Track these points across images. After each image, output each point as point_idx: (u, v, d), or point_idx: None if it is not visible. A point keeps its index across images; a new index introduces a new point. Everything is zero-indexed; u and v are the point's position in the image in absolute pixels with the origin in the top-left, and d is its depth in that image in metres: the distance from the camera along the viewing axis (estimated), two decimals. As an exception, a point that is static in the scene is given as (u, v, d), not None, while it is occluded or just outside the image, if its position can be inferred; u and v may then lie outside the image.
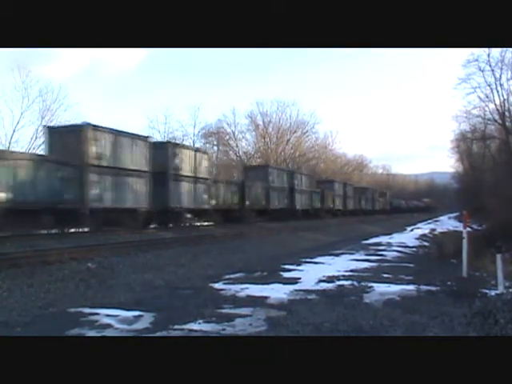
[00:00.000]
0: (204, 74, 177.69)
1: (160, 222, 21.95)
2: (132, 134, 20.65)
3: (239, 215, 28.53)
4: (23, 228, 14.86)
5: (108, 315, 6.62)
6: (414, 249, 18.71)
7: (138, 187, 19.95)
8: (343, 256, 15.25)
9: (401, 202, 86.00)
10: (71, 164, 16.86)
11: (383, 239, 23.66)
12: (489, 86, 34.57)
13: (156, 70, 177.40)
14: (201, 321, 6.30)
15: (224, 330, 5.86)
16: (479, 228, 23.05)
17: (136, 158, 19.88)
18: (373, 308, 7.08)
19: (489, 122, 36.85)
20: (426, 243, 20.97)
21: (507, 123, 34.45)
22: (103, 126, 18.74)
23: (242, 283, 9.43)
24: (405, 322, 6.14)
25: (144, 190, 20.25)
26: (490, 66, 33.69)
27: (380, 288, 8.82)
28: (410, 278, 10.34)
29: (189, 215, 24.18)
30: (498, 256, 8.33)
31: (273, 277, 10.38)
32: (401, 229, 34.83)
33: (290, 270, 11.48)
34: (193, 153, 24.82)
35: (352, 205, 54.45)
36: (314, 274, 10.64)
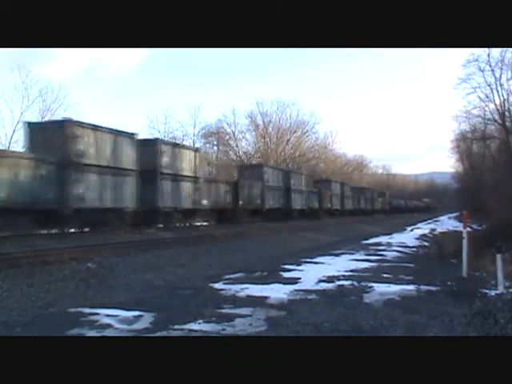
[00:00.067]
0: (204, 74, 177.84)
1: (148, 223, 20.93)
2: (118, 130, 19.75)
3: (232, 215, 27.80)
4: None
5: (108, 315, 6.62)
6: (414, 249, 18.71)
7: (124, 186, 19.12)
8: (343, 256, 15.25)
9: (400, 201, 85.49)
10: (52, 162, 16.02)
11: (383, 239, 23.66)
12: (489, 86, 34.63)
13: (156, 69, 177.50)
14: (201, 321, 6.30)
15: (224, 330, 5.86)
16: (479, 228, 23.06)
17: (122, 156, 19.06)
18: (373, 308, 7.08)
19: (489, 121, 36.89)
20: (426, 243, 20.98)
21: (507, 123, 34.47)
22: (86, 122, 18.06)
23: (242, 283, 9.43)
24: (405, 322, 6.14)
25: (131, 189, 19.43)
26: (490, 66, 33.75)
27: (380, 288, 8.82)
28: (410, 278, 10.34)
29: (179, 215, 23.03)
30: (498, 256, 8.33)
31: (273, 277, 10.38)
32: (401, 229, 34.83)
33: (290, 270, 11.48)
34: (183, 151, 23.97)
35: (350, 205, 53.71)
36: (314, 274, 10.64)
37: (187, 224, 23.74)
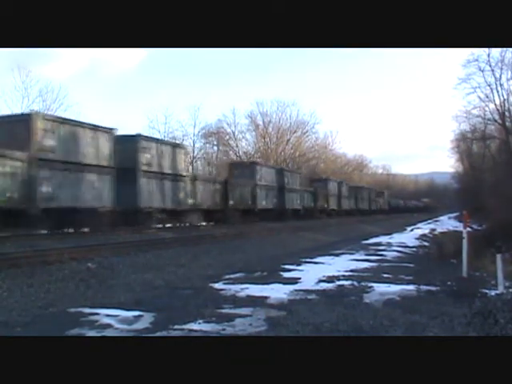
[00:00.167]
0: (204, 74, 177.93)
1: (128, 223, 19.65)
2: (93, 125, 18.49)
3: (222, 216, 26.59)
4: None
5: (108, 315, 6.62)
6: (414, 249, 18.71)
7: (99, 184, 17.89)
8: (343, 256, 15.25)
9: (399, 201, 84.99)
10: (16, 158, 14.71)
11: (383, 239, 23.66)
12: (489, 86, 34.63)
13: (156, 69, 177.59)
14: (201, 321, 6.30)
15: (224, 330, 5.86)
16: (479, 228, 23.05)
17: (98, 152, 17.82)
18: (373, 308, 7.08)
19: (489, 121, 36.89)
20: (425, 243, 20.98)
21: (507, 123, 34.48)
22: (56, 115, 17.36)
23: (242, 283, 9.43)
24: (405, 321, 6.14)
25: (107, 188, 18.23)
26: (490, 66, 33.74)
27: (380, 288, 8.82)
28: (410, 277, 10.34)
29: (163, 216, 21.83)
30: (498, 256, 8.33)
31: (273, 277, 10.38)
32: (401, 229, 34.84)
33: (289, 270, 11.48)
34: (168, 147, 22.63)
35: (347, 205, 52.41)
36: (314, 274, 10.64)
37: (170, 225, 22.40)
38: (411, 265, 13.07)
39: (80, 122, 18.15)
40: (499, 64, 33.54)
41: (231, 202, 27.59)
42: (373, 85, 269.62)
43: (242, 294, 8.32)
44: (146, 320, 6.40)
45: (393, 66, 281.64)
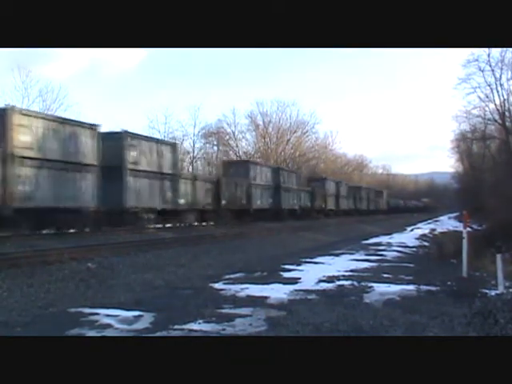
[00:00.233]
0: (204, 74, 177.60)
1: (113, 224, 19.06)
2: (74, 120, 17.83)
3: (214, 216, 25.87)
4: None
5: (108, 315, 6.61)
6: (414, 249, 18.72)
7: (82, 183, 16.99)
8: (343, 256, 15.25)
9: (399, 201, 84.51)
10: None
11: (383, 239, 23.66)
12: (489, 86, 34.62)
13: (156, 69, 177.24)
14: (201, 321, 6.30)
15: (224, 330, 5.86)
16: (479, 228, 23.05)
17: (80, 149, 16.92)
18: (373, 308, 7.08)
19: (489, 121, 36.89)
20: (426, 243, 20.98)
21: (507, 123, 34.48)
22: (34, 110, 16.65)
23: (242, 283, 9.43)
24: (405, 321, 6.14)
25: (91, 187, 17.33)
26: (490, 65, 33.74)
27: (380, 288, 8.82)
28: (410, 277, 10.34)
29: (151, 216, 20.99)
30: (498, 256, 8.33)
31: (273, 277, 10.38)
32: (401, 229, 34.84)
33: (289, 270, 11.48)
34: (155, 145, 21.66)
35: (346, 204, 51.64)
36: (314, 274, 10.64)
37: (155, 226, 21.34)
38: (411, 265, 13.07)
39: (60, 118, 17.48)
40: (499, 64, 33.59)
41: (224, 202, 26.71)
42: (373, 85, 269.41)
43: (242, 294, 8.32)
44: (146, 320, 6.40)
45: (393, 66, 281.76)
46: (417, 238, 24.62)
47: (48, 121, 16.19)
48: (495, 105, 35.29)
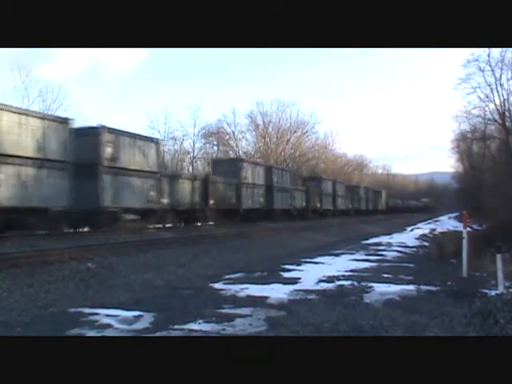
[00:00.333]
0: (204, 74, 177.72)
1: (90, 225, 18.33)
2: (41, 113, 16.82)
3: (201, 216, 24.90)
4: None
5: (108, 315, 6.62)
6: (414, 249, 18.71)
7: (51, 181, 15.74)
8: (343, 256, 15.25)
9: (397, 201, 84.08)
10: None
11: (383, 239, 23.66)
12: (489, 86, 34.66)
13: (156, 69, 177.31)
14: (201, 321, 6.30)
15: (224, 330, 5.86)
16: (479, 228, 23.06)
17: (48, 145, 15.66)
18: (373, 308, 7.08)
19: (489, 121, 36.92)
20: (426, 243, 20.98)
21: (507, 123, 34.50)
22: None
23: (242, 283, 9.43)
24: (405, 321, 6.14)
25: (61, 185, 16.08)
26: (490, 65, 33.78)
27: (380, 288, 8.82)
28: (410, 277, 10.34)
29: (131, 216, 19.74)
30: (498, 256, 8.33)
31: (273, 277, 10.38)
32: (401, 229, 34.83)
33: (290, 270, 11.48)
34: (137, 141, 20.35)
35: (343, 204, 50.17)
36: (314, 274, 10.64)
37: (138, 227, 19.93)
38: (411, 265, 13.07)
39: (26, 110, 16.41)
40: (499, 64, 33.62)
41: (211, 202, 25.57)
42: (373, 85, 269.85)
43: (242, 293, 8.32)
44: (146, 320, 6.40)
45: (393, 66, 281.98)
46: (417, 238, 24.62)
47: (12, 113, 14.90)
48: (495, 105, 35.36)
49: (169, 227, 22.33)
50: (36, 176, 15.40)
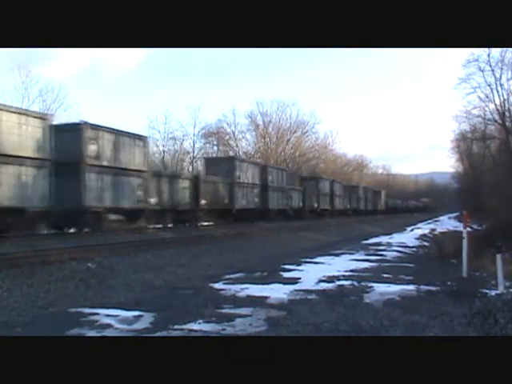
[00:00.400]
0: (204, 74, 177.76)
1: (72, 225, 17.62)
2: (19, 109, 16.13)
3: (192, 217, 24.06)
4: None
5: (108, 315, 6.62)
6: (414, 249, 18.72)
7: (28, 180, 14.97)
8: (343, 256, 15.25)
9: (397, 201, 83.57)
10: None
11: (383, 239, 23.67)
12: (489, 85, 34.66)
13: (156, 69, 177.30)
14: (201, 321, 6.31)
15: (224, 330, 5.86)
16: (479, 228, 23.06)
17: (24, 141, 14.79)
18: (373, 308, 7.08)
19: (489, 122, 36.91)
20: (425, 243, 20.99)
21: (507, 123, 34.50)
22: None
23: (242, 283, 9.43)
24: (405, 321, 6.14)
25: (40, 184, 15.28)
26: (490, 65, 33.77)
27: (380, 288, 8.82)
28: (410, 277, 10.34)
29: (116, 217, 18.94)
30: (498, 256, 8.33)
31: (273, 277, 10.38)
32: (401, 229, 34.84)
33: (289, 270, 11.48)
34: (122, 138, 19.41)
35: (341, 204, 49.49)
36: (314, 274, 10.65)
37: (124, 228, 19.09)
38: (411, 265, 13.07)
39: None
40: (499, 64, 33.61)
41: (203, 202, 24.69)
42: (373, 85, 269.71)
43: (242, 293, 8.32)
44: (145, 320, 6.40)
45: (393, 66, 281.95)
46: (417, 238, 24.62)
47: None
48: (495, 105, 35.37)
49: (169, 227, 22.32)
50: (10, 174, 14.53)
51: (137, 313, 6.80)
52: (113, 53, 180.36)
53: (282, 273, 11.06)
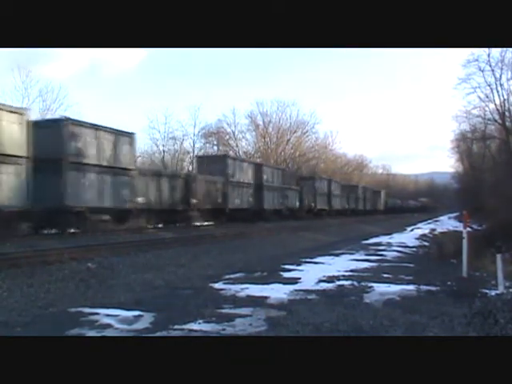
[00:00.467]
0: (204, 74, 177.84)
1: (54, 226, 16.79)
2: None
3: (183, 217, 23.32)
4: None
5: (108, 315, 6.62)
6: (414, 249, 18.71)
7: (2, 178, 14.17)
8: (343, 256, 15.25)
9: (396, 201, 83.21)
10: None
11: (383, 239, 23.66)
12: (489, 86, 34.71)
13: (156, 69, 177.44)
14: (201, 321, 6.30)
15: (224, 330, 5.86)
16: (479, 228, 23.06)
17: (2, 138, 14.20)
18: (373, 308, 7.08)
19: (489, 122, 36.95)
20: (426, 243, 20.98)
21: (507, 123, 34.52)
22: None
23: (242, 283, 9.43)
24: (405, 321, 6.14)
25: (17, 183, 14.53)
26: (490, 65, 33.82)
27: (380, 288, 8.82)
28: (410, 277, 10.34)
29: (101, 217, 18.19)
30: (498, 256, 8.33)
31: (273, 277, 10.38)
32: (401, 229, 34.82)
33: (290, 270, 11.48)
34: (107, 135, 18.49)
35: (339, 204, 48.68)
36: (313, 274, 10.64)
37: (112, 229, 18.40)
38: (411, 265, 13.07)
39: None
40: (499, 64, 33.67)
41: (194, 201, 23.85)
42: (373, 85, 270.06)
43: (242, 293, 8.32)
44: (145, 320, 6.40)
45: (393, 66, 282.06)
46: (417, 238, 24.62)
47: None
48: (495, 105, 35.40)
49: (169, 227, 22.32)
50: None
51: (137, 313, 6.80)
52: (113, 53, 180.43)
53: (282, 273, 11.06)
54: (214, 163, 28.07)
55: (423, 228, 37.06)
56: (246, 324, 6.13)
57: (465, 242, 10.71)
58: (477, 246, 12.64)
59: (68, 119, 17.53)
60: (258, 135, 60.35)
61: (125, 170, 19.21)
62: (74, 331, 5.77)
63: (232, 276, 10.51)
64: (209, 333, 5.70)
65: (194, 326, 6.03)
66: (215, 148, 58.37)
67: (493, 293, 7.88)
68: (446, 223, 46.33)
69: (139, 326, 6.11)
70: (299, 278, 10.13)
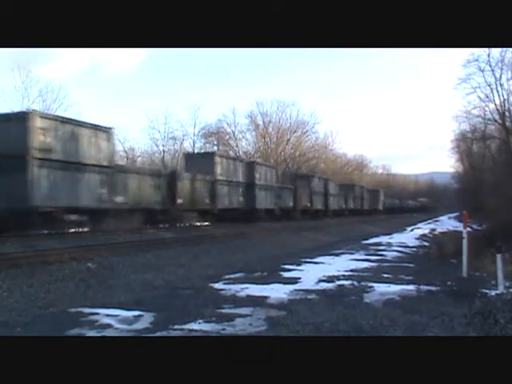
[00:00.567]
0: (204, 74, 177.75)
1: (20, 228, 15.19)
2: None
3: (167, 217, 22.08)
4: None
5: (108, 315, 6.62)
6: (414, 249, 18.72)
7: None
8: (343, 256, 15.25)
9: (395, 201, 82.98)
10: None
11: (383, 239, 23.67)
12: (489, 86, 34.67)
13: (156, 69, 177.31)
14: (201, 321, 6.31)
15: (224, 329, 5.86)
16: (479, 228, 23.06)
17: None
18: (373, 308, 7.08)
19: (489, 121, 36.93)
20: (426, 243, 20.99)
21: (507, 123, 34.52)
22: None
23: (242, 283, 9.43)
24: (405, 321, 6.14)
25: None
26: (490, 65, 33.78)
27: (380, 288, 8.82)
28: (410, 277, 10.34)
29: (75, 217, 16.81)
30: (498, 256, 8.34)
31: (273, 277, 10.38)
32: (401, 229, 34.84)
33: (289, 270, 11.48)
34: (81, 130, 17.00)
35: (336, 204, 47.07)
36: (313, 274, 10.65)
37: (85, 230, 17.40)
38: (411, 265, 13.07)
39: None
40: (499, 64, 33.62)
41: (180, 201, 22.50)
42: (373, 85, 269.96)
43: (242, 293, 8.32)
44: (145, 320, 6.40)
45: (393, 66, 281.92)
46: (417, 238, 24.63)
47: None
48: (495, 105, 35.38)
49: (169, 227, 22.32)
50: None
51: (137, 313, 6.80)
52: (113, 53, 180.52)
53: (282, 273, 11.06)
54: (201, 161, 26.66)
55: (423, 228, 37.08)
56: (246, 324, 6.13)
57: (465, 242, 10.71)
58: (477, 245, 12.65)
59: (35, 111, 16.30)
60: (258, 135, 60.34)
61: (101, 168, 17.67)
62: (74, 331, 5.77)
63: (232, 276, 10.51)
64: (209, 333, 5.70)
65: (194, 326, 6.03)
66: (215, 148, 58.36)
67: (493, 293, 7.88)
68: (446, 223, 46.36)
69: (139, 325, 6.11)
70: (299, 278, 10.13)
